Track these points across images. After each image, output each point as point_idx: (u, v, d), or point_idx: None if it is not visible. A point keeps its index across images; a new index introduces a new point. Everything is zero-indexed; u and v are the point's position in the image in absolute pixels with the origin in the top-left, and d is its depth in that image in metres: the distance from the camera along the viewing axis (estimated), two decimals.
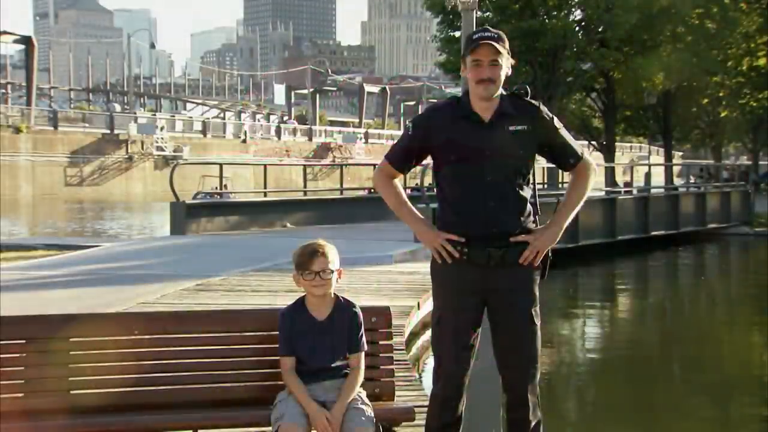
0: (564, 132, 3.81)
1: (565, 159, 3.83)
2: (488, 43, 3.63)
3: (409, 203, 3.89)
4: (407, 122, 3.98)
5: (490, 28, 3.73)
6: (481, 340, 3.87)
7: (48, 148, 54.05)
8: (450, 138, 3.71)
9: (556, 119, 3.79)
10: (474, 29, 5.92)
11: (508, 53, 3.69)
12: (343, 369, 3.84)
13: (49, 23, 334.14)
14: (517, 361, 3.76)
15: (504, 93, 3.75)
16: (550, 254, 3.82)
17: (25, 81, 62.73)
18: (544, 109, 3.76)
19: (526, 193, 3.77)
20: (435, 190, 3.93)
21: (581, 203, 3.86)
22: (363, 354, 3.89)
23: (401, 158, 3.88)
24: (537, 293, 3.80)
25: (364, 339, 3.91)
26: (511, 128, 3.68)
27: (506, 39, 3.71)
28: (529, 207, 3.77)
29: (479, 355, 3.88)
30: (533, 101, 3.77)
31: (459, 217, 3.72)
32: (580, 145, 3.90)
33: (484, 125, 3.69)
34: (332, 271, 3.82)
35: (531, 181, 3.80)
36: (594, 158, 4.12)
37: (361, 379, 3.87)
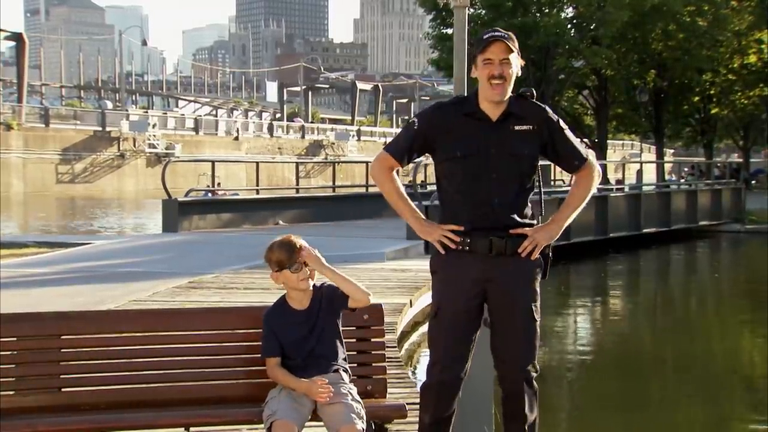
0: (569, 134, 3.86)
1: (569, 161, 3.88)
2: (499, 40, 3.67)
3: (408, 199, 3.89)
4: (413, 116, 4.00)
5: (500, 29, 3.77)
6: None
7: (39, 145, 53.88)
8: (455, 135, 3.74)
9: (561, 122, 3.85)
10: (465, 26, 5.91)
11: (518, 53, 3.73)
12: (334, 364, 3.84)
13: (41, 20, 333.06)
14: (515, 356, 3.75)
15: (510, 94, 3.78)
16: (551, 255, 3.84)
17: (16, 78, 62.49)
18: (550, 111, 3.82)
19: (530, 191, 3.81)
20: (436, 184, 3.93)
21: (583, 204, 3.89)
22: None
23: (404, 150, 3.85)
24: (537, 289, 3.81)
25: None
26: (517, 128, 3.73)
27: (515, 39, 3.75)
28: (531, 205, 3.82)
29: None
30: (540, 103, 3.83)
31: (463, 211, 3.74)
32: (585, 148, 3.93)
33: (490, 123, 3.74)
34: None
35: (536, 179, 3.83)
36: None
37: (357, 284, 3.91)
